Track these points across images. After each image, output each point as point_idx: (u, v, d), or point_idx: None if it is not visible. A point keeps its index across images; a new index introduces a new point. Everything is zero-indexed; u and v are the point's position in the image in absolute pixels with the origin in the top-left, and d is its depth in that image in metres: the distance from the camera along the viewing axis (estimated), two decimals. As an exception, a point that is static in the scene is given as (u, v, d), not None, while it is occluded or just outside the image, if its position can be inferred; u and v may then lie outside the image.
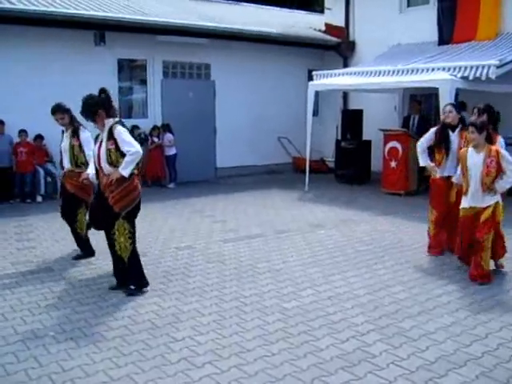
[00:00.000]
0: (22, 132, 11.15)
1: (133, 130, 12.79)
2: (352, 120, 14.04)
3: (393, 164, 11.98)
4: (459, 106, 11.85)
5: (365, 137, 13.92)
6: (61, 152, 7.18)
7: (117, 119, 5.70)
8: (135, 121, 13.05)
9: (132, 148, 5.55)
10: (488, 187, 6.02)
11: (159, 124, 13.30)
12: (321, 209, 10.39)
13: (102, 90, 5.71)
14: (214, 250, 7.47)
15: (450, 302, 5.48)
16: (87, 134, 6.92)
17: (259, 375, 4.00)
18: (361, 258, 7.08)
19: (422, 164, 7.61)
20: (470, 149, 6.19)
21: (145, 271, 5.92)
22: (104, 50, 12.43)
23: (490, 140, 6.15)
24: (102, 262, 6.73)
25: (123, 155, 5.56)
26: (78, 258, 7.03)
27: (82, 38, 12.08)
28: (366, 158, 13.78)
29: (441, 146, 7.15)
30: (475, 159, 6.11)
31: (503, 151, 6.15)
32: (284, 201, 11.28)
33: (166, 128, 13.06)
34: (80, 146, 6.88)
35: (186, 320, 5.03)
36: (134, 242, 5.72)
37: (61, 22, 11.47)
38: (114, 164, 5.58)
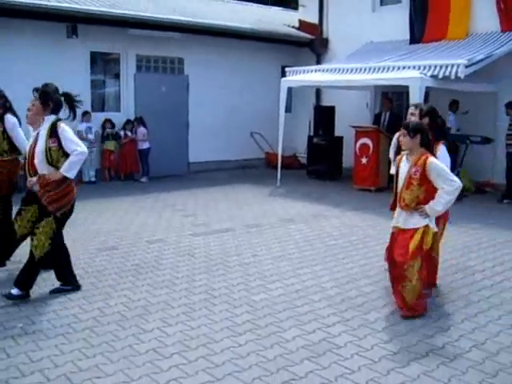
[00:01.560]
0: None
1: (105, 124, 12.80)
2: (324, 116, 14.17)
3: (364, 160, 12.14)
4: (450, 104, 12.07)
5: (337, 133, 14.06)
6: None
7: (57, 117, 5.43)
8: (108, 114, 13.03)
9: (79, 147, 5.28)
10: (407, 205, 5.03)
11: (132, 118, 13.26)
12: (292, 204, 10.49)
13: (66, 95, 5.52)
14: (185, 243, 7.52)
15: (414, 295, 5.60)
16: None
17: (226, 365, 4.07)
18: (329, 253, 7.19)
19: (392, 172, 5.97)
20: (404, 155, 5.17)
21: (115, 264, 5.96)
22: (76, 42, 12.35)
23: (428, 146, 5.06)
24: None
25: (65, 155, 5.29)
26: None
27: (54, 30, 12.00)
28: (338, 154, 13.92)
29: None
30: (404, 168, 5.10)
31: (435, 162, 4.93)
32: (255, 196, 11.35)
33: (140, 121, 13.03)
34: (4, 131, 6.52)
35: (155, 312, 5.09)
36: (52, 245, 5.35)
37: (33, 14, 11.38)
38: (53, 164, 5.28)
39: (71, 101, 5.52)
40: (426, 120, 5.62)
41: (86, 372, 3.96)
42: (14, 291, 5.32)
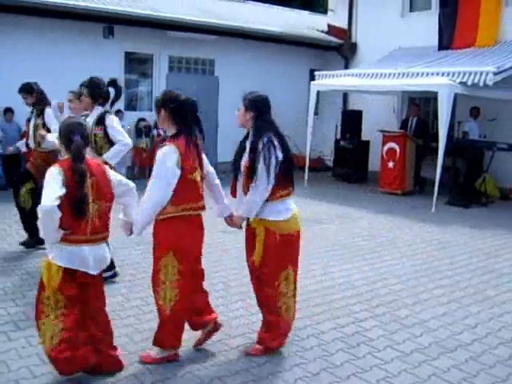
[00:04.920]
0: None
1: (139, 123, 13.13)
2: (352, 120, 14.40)
3: (390, 164, 12.32)
4: (471, 111, 12.24)
5: (363, 137, 14.26)
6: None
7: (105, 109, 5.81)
8: (140, 113, 13.38)
9: (124, 138, 5.70)
10: None
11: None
12: (319, 205, 10.72)
13: (113, 82, 5.95)
14: (217, 240, 7.77)
15: (443, 295, 5.82)
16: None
17: (265, 353, 4.32)
18: (358, 253, 7.41)
19: None
20: None
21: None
22: (112, 42, 12.71)
23: None
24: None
25: (109, 143, 5.67)
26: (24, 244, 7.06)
27: (91, 31, 12.37)
28: (364, 157, 14.12)
29: None
30: None
31: None
32: (284, 196, 11.54)
33: None
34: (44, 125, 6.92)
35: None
36: None
37: (72, 14, 11.77)
38: (97, 149, 5.65)
39: (116, 85, 5.89)
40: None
41: (134, 355, 4.23)
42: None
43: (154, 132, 13.31)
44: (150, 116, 13.38)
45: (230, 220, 4.51)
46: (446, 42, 13.39)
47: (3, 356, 4.14)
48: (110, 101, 5.91)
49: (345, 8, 16.13)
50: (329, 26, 16.79)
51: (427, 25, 13.65)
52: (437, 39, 13.50)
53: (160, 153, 3.95)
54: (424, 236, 8.41)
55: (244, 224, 4.47)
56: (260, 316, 4.50)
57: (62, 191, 3.50)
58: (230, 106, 14.77)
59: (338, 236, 8.28)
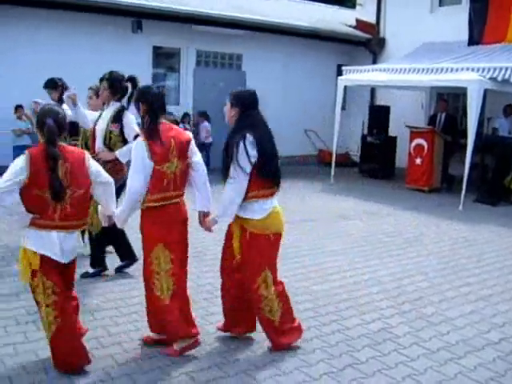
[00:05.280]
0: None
1: (165, 117, 13.17)
2: (379, 116, 14.29)
3: (418, 161, 12.20)
4: (504, 109, 12.08)
5: (391, 133, 14.16)
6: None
7: (122, 104, 5.78)
8: (168, 107, 13.37)
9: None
10: None
11: (190, 111, 13.64)
12: (345, 201, 10.69)
13: (132, 79, 5.81)
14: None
15: (470, 293, 5.77)
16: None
17: (290, 348, 4.32)
18: (384, 249, 7.37)
19: None
20: None
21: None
22: (140, 37, 12.80)
23: None
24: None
25: (123, 141, 5.66)
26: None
27: (120, 25, 12.46)
28: (391, 153, 14.02)
29: None
30: None
31: None
32: (309, 191, 11.57)
33: (204, 116, 13.38)
34: None
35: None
36: None
37: (101, 9, 11.89)
38: (110, 146, 5.66)
39: (135, 83, 5.88)
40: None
41: (129, 354, 4.23)
42: (90, 270, 5.81)
43: (181, 126, 13.35)
44: (177, 110, 13.45)
45: (203, 218, 4.44)
46: (476, 37, 13.18)
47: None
48: (126, 97, 5.94)
49: (373, 2, 16.02)
50: (357, 20, 16.69)
51: (457, 20, 13.46)
52: (466, 34, 13.30)
53: (133, 146, 4.12)
54: (451, 234, 8.33)
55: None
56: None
57: (20, 177, 3.57)
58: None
59: (364, 232, 8.24)
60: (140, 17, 12.54)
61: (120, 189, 5.49)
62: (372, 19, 16.13)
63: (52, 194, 3.63)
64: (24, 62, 11.40)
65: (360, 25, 16.46)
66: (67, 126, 3.98)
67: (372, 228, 8.53)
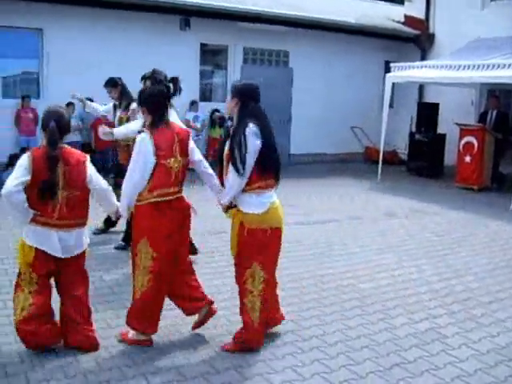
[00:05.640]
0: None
1: (213, 113, 13.32)
2: (427, 113, 14.10)
3: (467, 159, 11.98)
4: None
5: (439, 130, 13.95)
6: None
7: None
8: (215, 104, 13.55)
9: None
10: None
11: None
12: (392, 199, 10.59)
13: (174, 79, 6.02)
14: (290, 231, 7.79)
15: (521, 294, 5.66)
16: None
17: (338, 345, 4.33)
18: (433, 248, 7.28)
19: None
20: None
21: (225, 247, 6.32)
22: (188, 34, 12.94)
23: None
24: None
25: None
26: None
27: (168, 23, 12.62)
28: (440, 151, 13.78)
29: None
30: None
31: None
32: (356, 189, 11.51)
33: None
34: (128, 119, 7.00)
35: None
36: None
37: (150, 7, 12.06)
38: None
39: (176, 84, 5.95)
40: None
41: (207, 344, 4.32)
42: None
43: (229, 123, 13.41)
44: (224, 107, 13.52)
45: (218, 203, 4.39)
46: (528, 32, 12.89)
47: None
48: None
49: (423, -2, 15.78)
50: (405, 16, 16.48)
51: (508, 15, 13.19)
52: (518, 30, 13.03)
53: (136, 141, 4.12)
54: (501, 234, 8.16)
55: None
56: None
57: (26, 178, 3.77)
58: (304, 97, 14.94)
59: (412, 231, 8.15)
60: (188, 14, 12.68)
61: None
62: (421, 15, 15.89)
63: (43, 193, 3.81)
64: (76, 60, 11.66)
65: (408, 21, 16.25)
66: (70, 129, 4.13)
67: (419, 227, 8.43)
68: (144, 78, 6.04)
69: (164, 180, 4.07)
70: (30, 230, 3.92)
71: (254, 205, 4.07)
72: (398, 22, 16.46)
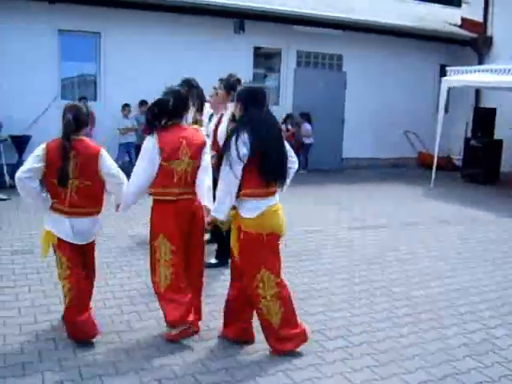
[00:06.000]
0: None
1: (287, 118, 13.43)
2: (484, 118, 13.79)
3: (525, 166, 11.68)
4: None
5: (496, 136, 13.63)
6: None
7: None
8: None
9: None
10: None
11: (290, 111, 13.74)
12: (446, 206, 10.40)
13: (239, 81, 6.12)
14: (342, 235, 7.78)
15: None
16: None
17: (389, 353, 4.27)
18: (488, 256, 7.11)
19: None
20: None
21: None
22: (242, 37, 13.02)
23: None
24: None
25: None
26: None
27: (223, 26, 12.73)
28: (496, 157, 13.49)
29: None
30: None
31: None
32: (409, 195, 11.37)
33: (305, 118, 13.48)
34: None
35: (318, 297, 5.39)
36: None
37: (205, 10, 12.19)
38: None
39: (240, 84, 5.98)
40: None
41: (258, 344, 4.30)
42: (212, 261, 6.16)
43: (283, 127, 13.41)
44: (277, 110, 13.52)
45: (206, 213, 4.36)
46: None
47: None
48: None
49: (480, 0, 15.43)
50: (462, 19, 16.17)
51: None
52: None
53: (144, 141, 4.28)
54: (561, 243, 7.92)
55: None
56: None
57: (38, 165, 4.03)
58: (357, 101, 14.85)
59: (466, 239, 7.98)
60: (242, 17, 12.75)
61: None
62: (479, 17, 15.57)
63: (57, 180, 4.03)
64: (132, 63, 11.90)
65: (466, 23, 15.94)
66: (87, 123, 4.32)
67: (474, 235, 8.25)
68: (220, 80, 6.22)
69: (164, 181, 4.21)
70: (49, 216, 4.20)
71: (248, 209, 4.04)
72: (455, 24, 16.18)
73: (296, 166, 4.45)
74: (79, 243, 4.20)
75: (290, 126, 13.52)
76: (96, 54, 12.12)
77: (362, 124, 14.70)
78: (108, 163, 4.23)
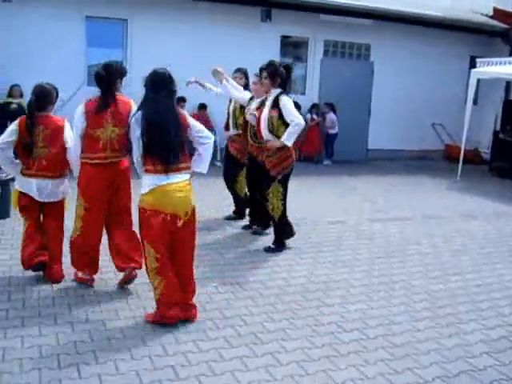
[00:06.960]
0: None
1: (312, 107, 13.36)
2: (514, 111, 13.54)
3: (555, 160, 11.45)
4: None
5: (526, 130, 13.37)
6: (228, 115, 7.46)
7: (281, 90, 6.08)
8: (294, 96, 13.48)
9: (296, 119, 5.95)
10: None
11: (316, 101, 13.65)
12: (472, 200, 10.25)
13: (286, 67, 6.22)
14: (364, 227, 7.72)
15: None
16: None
17: (405, 347, 4.22)
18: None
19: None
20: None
21: (298, 240, 6.34)
22: (269, 26, 12.96)
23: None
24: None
25: (285, 124, 5.97)
26: (229, 218, 7.68)
27: (249, 14, 12.67)
28: (526, 151, 13.23)
29: None
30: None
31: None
32: (434, 188, 11.23)
33: (330, 108, 13.38)
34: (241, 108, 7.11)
35: (337, 288, 5.35)
36: (284, 204, 6.28)
37: (231, -1, 12.17)
38: (273, 132, 6.01)
39: (288, 71, 6.20)
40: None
41: (273, 333, 4.32)
42: (272, 245, 6.45)
43: (308, 116, 13.34)
44: (303, 100, 13.46)
45: None
46: None
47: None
48: (286, 84, 6.19)
49: (514, -9, 15.13)
50: (495, 9, 15.83)
51: None
52: None
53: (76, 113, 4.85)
54: None
55: None
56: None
57: (12, 138, 4.83)
58: (384, 92, 14.67)
59: (491, 234, 7.86)
60: (269, 6, 12.67)
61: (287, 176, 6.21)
62: (511, 8, 15.24)
63: (22, 149, 4.83)
64: (158, 50, 11.90)
65: (497, 14, 15.60)
66: (51, 101, 4.97)
67: (499, 230, 8.12)
68: (261, 70, 6.25)
69: (90, 146, 4.76)
70: (19, 179, 5.02)
71: (142, 185, 4.30)
72: (486, 15, 15.85)
73: (207, 141, 4.52)
74: (40, 200, 4.95)
75: (315, 116, 13.44)
76: (123, 41, 12.16)
77: (389, 115, 14.53)
78: (71, 133, 4.93)
